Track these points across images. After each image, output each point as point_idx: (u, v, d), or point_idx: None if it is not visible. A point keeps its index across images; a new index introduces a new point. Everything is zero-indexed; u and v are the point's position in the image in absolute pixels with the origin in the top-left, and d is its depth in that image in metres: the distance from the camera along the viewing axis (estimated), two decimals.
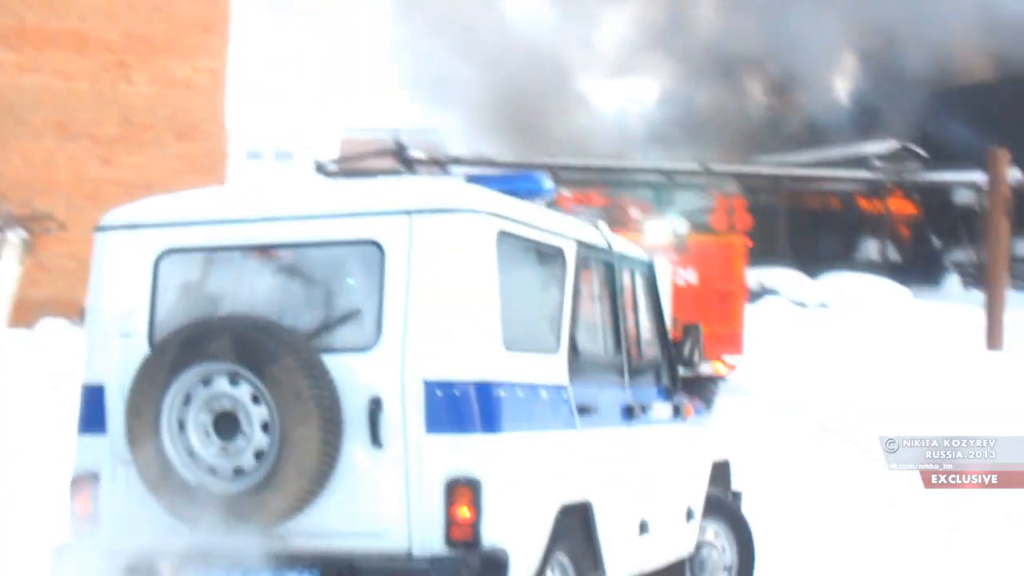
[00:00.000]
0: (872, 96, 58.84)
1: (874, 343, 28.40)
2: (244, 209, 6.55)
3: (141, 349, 6.31)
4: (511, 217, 6.48)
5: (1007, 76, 53.85)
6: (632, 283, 8.11)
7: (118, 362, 6.34)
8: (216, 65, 27.46)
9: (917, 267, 52.43)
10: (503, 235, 6.30)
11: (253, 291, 6.30)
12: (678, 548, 8.50)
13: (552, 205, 18.97)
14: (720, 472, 9.43)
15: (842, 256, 50.85)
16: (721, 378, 20.58)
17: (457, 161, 45.62)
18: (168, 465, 5.99)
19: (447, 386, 5.95)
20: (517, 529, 6.02)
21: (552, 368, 6.70)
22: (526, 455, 6.23)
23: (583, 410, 6.91)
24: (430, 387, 5.95)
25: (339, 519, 6.03)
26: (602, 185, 46.32)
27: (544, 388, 6.52)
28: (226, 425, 6.00)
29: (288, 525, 5.98)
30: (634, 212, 21.40)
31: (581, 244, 7.27)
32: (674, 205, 21.23)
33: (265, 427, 5.92)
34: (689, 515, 8.62)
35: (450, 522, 5.86)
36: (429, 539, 5.90)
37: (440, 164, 45.68)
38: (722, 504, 9.22)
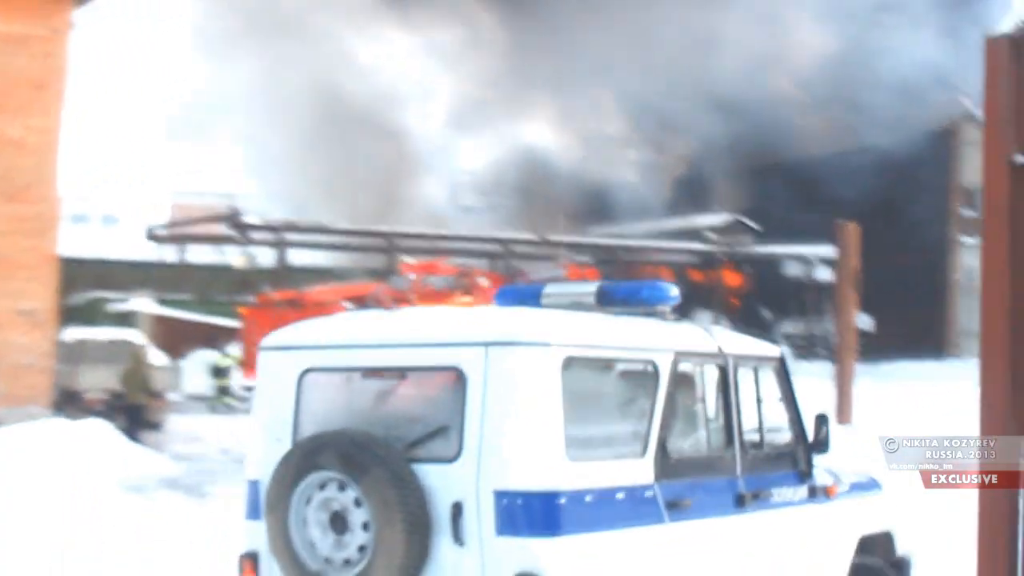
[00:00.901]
0: (703, 170, 59.72)
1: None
2: (361, 336, 7.70)
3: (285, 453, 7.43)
4: (582, 344, 7.32)
5: (833, 151, 55.14)
6: (754, 378, 8.71)
7: (270, 462, 7.41)
8: (49, 124, 26.32)
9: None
10: (571, 360, 7.14)
11: (366, 407, 7.52)
12: None
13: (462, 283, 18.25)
14: (878, 543, 9.74)
15: None
16: None
17: (292, 228, 44.92)
18: (295, 553, 7.23)
19: (512, 495, 6.87)
20: None
21: (634, 471, 7.42)
22: (592, 552, 7.02)
23: (673, 505, 7.57)
24: (499, 496, 6.88)
25: None
26: (442, 253, 46.13)
27: (622, 490, 7.29)
28: (339, 522, 7.14)
29: None
30: (483, 281, 21.06)
31: (679, 353, 7.91)
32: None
33: (365, 526, 7.04)
34: None
35: None
36: None
37: (274, 230, 44.93)
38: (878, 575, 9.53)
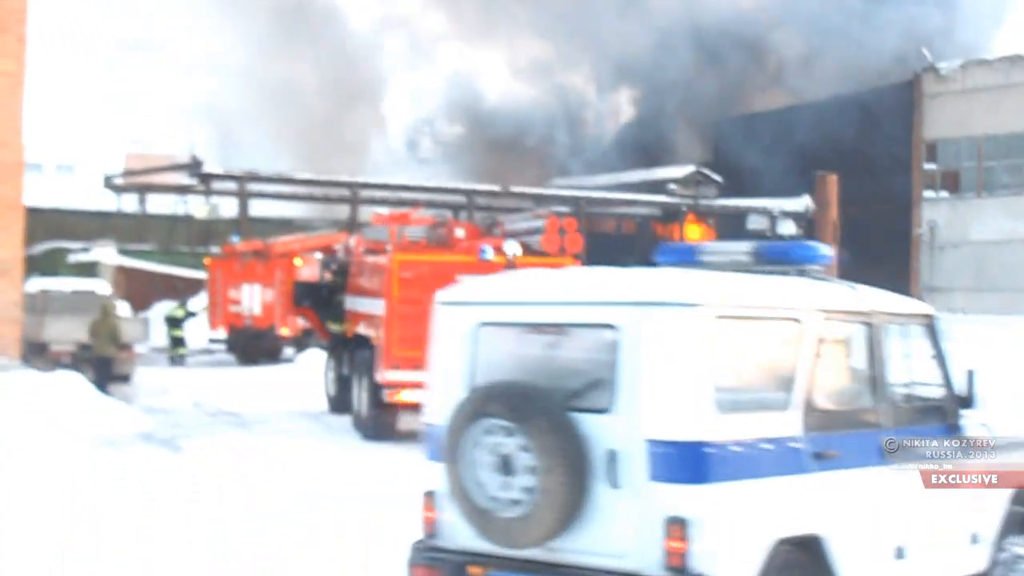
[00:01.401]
0: (666, 122, 59.50)
1: None
2: (530, 293, 8.36)
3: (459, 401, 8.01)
4: (731, 303, 7.76)
5: (797, 103, 55.08)
6: (901, 334, 9.09)
7: (448, 409, 8.02)
8: (11, 68, 25.71)
9: None
10: (721, 319, 7.61)
11: (532, 359, 8.10)
12: (957, 569, 9.38)
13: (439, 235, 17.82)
14: None
15: None
16: None
17: (255, 177, 44.38)
18: (466, 491, 7.82)
19: (664, 444, 7.40)
20: (724, 559, 7.42)
21: (781, 423, 7.90)
22: (739, 499, 7.53)
23: (819, 456, 8.02)
24: (651, 445, 7.41)
25: (591, 542, 7.63)
26: (405, 204, 45.78)
27: (769, 441, 7.78)
28: (506, 465, 7.67)
29: (556, 543, 7.67)
30: (460, 232, 20.77)
31: (826, 311, 8.36)
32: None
33: (530, 469, 7.56)
34: (974, 539, 9.45)
35: (667, 552, 7.38)
36: (653, 564, 7.42)
37: (237, 179, 44.38)
38: None
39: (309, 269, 29.18)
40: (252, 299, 34.04)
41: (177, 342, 35.28)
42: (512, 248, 19.40)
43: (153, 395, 26.33)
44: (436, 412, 8.28)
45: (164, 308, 37.80)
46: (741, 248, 8.98)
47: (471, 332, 8.23)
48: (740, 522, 7.54)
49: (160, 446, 19.24)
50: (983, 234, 46.88)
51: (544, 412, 7.57)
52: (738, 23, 55.64)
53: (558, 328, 8.07)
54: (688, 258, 9.01)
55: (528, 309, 8.20)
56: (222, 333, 35.49)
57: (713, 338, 7.58)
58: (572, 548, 7.69)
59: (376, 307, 19.93)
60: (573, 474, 7.52)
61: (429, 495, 8.34)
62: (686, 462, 7.40)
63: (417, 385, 19.25)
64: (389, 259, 19.39)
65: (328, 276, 24.00)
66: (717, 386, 7.56)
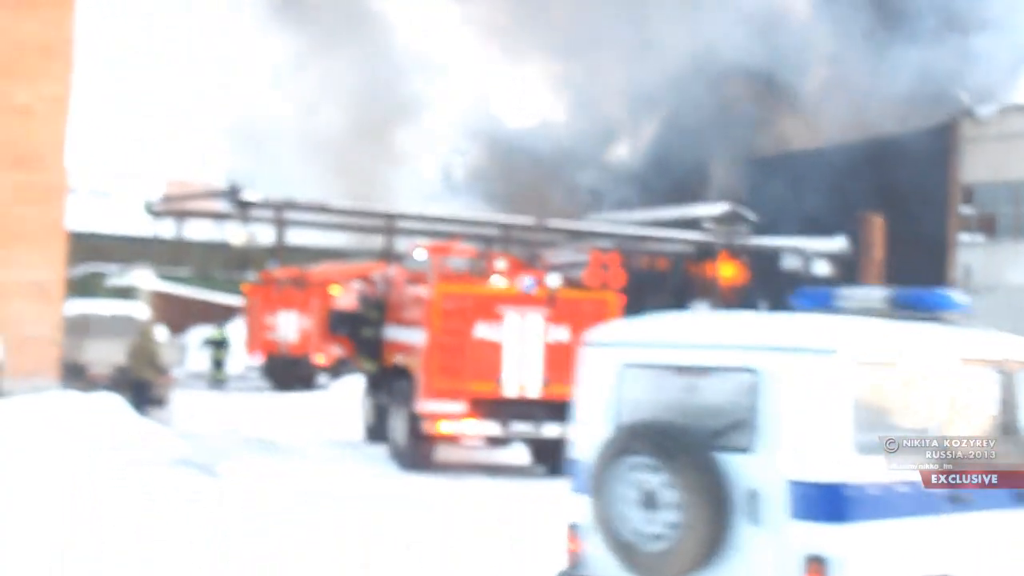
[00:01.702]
0: (697, 158, 59.47)
1: None
2: (673, 336, 8.66)
3: (605, 438, 8.36)
4: (868, 350, 8.06)
5: (833, 144, 55.02)
6: None
7: (593, 445, 8.40)
8: (59, 91, 25.96)
9: None
10: (859, 365, 7.90)
11: (675, 398, 8.37)
12: None
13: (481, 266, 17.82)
14: None
15: None
16: None
17: (292, 206, 44.58)
18: (611, 524, 8.16)
19: (805, 486, 7.70)
20: None
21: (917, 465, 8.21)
22: (877, 538, 7.82)
23: (955, 498, 8.30)
24: (793, 485, 7.72)
25: None
26: (441, 236, 45.89)
27: (905, 483, 8.07)
28: (650, 501, 7.99)
29: None
30: (501, 264, 20.82)
31: (963, 357, 8.64)
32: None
33: (674, 505, 7.87)
34: None
35: None
36: None
37: (274, 207, 44.60)
38: None
39: (347, 297, 29.30)
40: (288, 326, 34.21)
41: (218, 364, 35.49)
42: (554, 281, 19.45)
43: (189, 419, 26.44)
44: (581, 448, 8.69)
45: (199, 333, 38.00)
46: (877, 294, 9.35)
47: (616, 372, 8.61)
48: (877, 561, 7.82)
49: (197, 470, 19.31)
50: (1019, 278, 46.62)
51: (689, 451, 7.92)
52: (764, 62, 55.69)
53: (701, 370, 8.35)
54: (824, 303, 9.32)
55: (672, 351, 8.52)
56: (258, 359, 35.65)
57: (853, 383, 7.91)
58: None
59: (417, 337, 19.99)
60: (715, 511, 7.85)
61: (573, 528, 8.70)
62: (826, 502, 7.70)
63: (456, 416, 19.40)
64: (431, 290, 19.46)
65: (366, 305, 24.10)
66: (856, 429, 7.88)
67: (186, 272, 47.69)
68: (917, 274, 48.65)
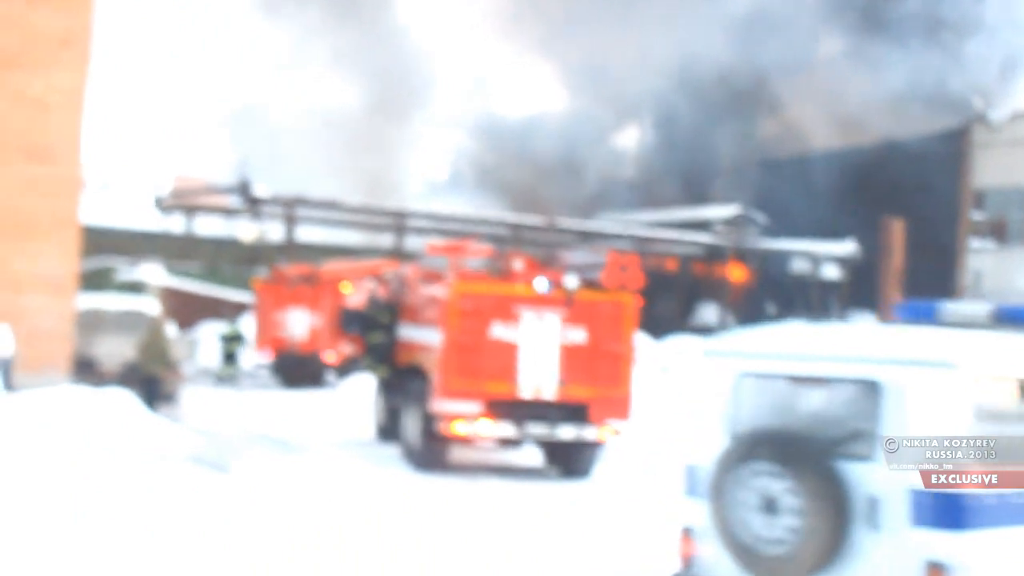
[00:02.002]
0: (710, 162, 59.31)
1: None
2: (789, 347, 8.94)
3: (723, 444, 8.72)
4: (984, 363, 8.28)
5: (844, 147, 54.88)
6: None
7: (709, 452, 8.78)
8: (74, 83, 25.76)
9: None
10: (977, 378, 8.14)
11: (792, 407, 8.71)
12: None
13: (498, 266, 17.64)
14: None
15: (679, 319, 51.02)
16: (601, 444, 19.98)
17: (303, 202, 44.48)
18: (730, 528, 8.47)
19: (926, 494, 7.95)
20: None
21: None
22: (993, 545, 8.00)
23: None
24: (914, 493, 7.99)
25: None
26: (450, 234, 45.75)
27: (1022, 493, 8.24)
28: (770, 506, 8.29)
29: None
30: (518, 264, 20.67)
31: None
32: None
33: (795, 511, 8.17)
34: None
35: None
36: None
37: (285, 204, 44.49)
38: None
39: (358, 296, 29.14)
40: (298, 324, 34.07)
41: (230, 358, 35.42)
42: (571, 282, 19.31)
43: (199, 415, 26.32)
44: (697, 454, 9.08)
45: (208, 329, 37.89)
46: (980, 309, 9.69)
47: (734, 382, 8.96)
48: (996, 568, 8.04)
49: (208, 467, 19.19)
50: None
51: (812, 459, 8.22)
52: (770, 68, 55.55)
53: (819, 381, 8.68)
54: (927, 316, 9.73)
55: (790, 362, 8.82)
56: (267, 356, 35.51)
57: (973, 395, 8.20)
58: None
59: (432, 337, 19.85)
60: (836, 517, 8.16)
61: (687, 531, 9.10)
62: (946, 509, 7.97)
63: (471, 417, 19.25)
64: (448, 289, 19.33)
65: (376, 307, 23.98)
66: (977, 439, 8.13)
67: (195, 267, 47.57)
68: (928, 279, 48.64)
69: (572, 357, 19.27)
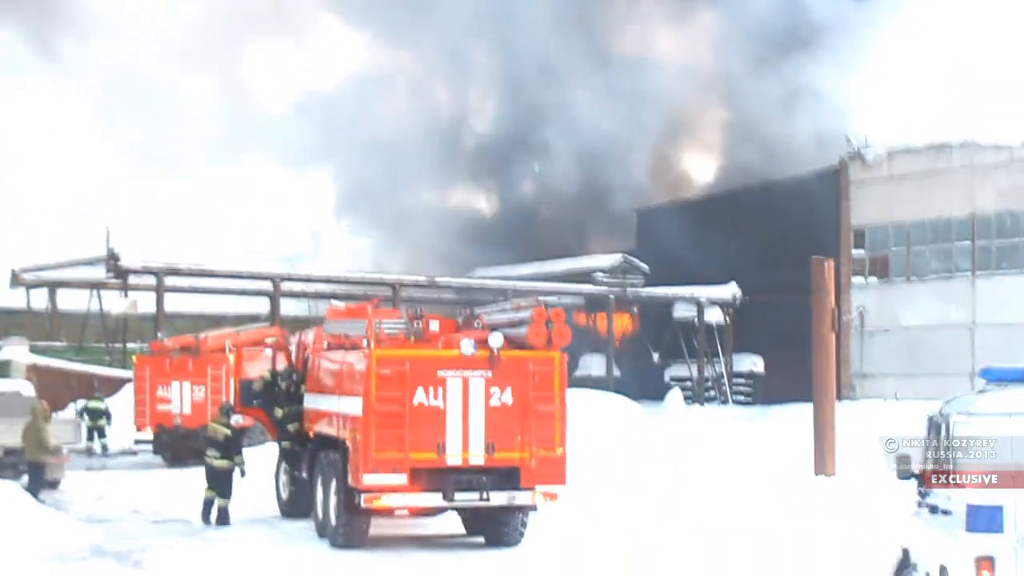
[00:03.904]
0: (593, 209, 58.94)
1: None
2: None
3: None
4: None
5: (724, 190, 54.84)
6: None
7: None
8: None
9: (637, 382, 52.15)
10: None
11: None
12: None
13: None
14: None
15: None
16: (532, 508, 18.82)
17: (174, 271, 42.77)
18: None
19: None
20: None
21: None
22: None
23: None
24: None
25: None
26: (327, 297, 44.42)
27: None
28: None
29: None
30: (434, 325, 19.48)
31: None
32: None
33: None
34: None
35: None
36: None
37: (154, 273, 42.72)
38: None
39: (257, 366, 27.63)
40: (182, 398, 32.41)
41: (99, 433, 33.96)
42: (496, 340, 18.19)
43: (87, 501, 24.65)
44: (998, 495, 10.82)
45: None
46: None
47: None
48: None
49: (116, 561, 17.65)
50: (913, 319, 46.65)
51: None
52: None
53: None
54: (1017, 378, 11.38)
55: None
56: (147, 433, 33.74)
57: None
58: None
59: (349, 406, 18.55)
60: None
61: (987, 559, 10.73)
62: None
63: (397, 489, 17.96)
64: (367, 355, 18.04)
65: (277, 377, 22.70)
66: None
67: (62, 344, 45.45)
68: (811, 317, 48.36)
69: (500, 419, 18.13)
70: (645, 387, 51.23)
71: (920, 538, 12.06)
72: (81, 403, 36.70)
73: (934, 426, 11.46)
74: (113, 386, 38.74)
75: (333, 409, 19.55)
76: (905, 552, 12.59)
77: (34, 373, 39.47)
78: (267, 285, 44.64)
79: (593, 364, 51.82)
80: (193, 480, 28.02)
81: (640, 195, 57.39)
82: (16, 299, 49.85)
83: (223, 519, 21.31)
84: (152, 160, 56.14)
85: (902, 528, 12.85)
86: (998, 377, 11.46)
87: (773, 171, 51.42)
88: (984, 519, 10.75)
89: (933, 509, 11.66)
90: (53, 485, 25.24)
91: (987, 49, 47.54)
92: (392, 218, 59.02)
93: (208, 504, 21.45)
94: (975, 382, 12.52)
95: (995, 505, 10.64)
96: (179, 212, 58.71)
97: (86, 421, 34.26)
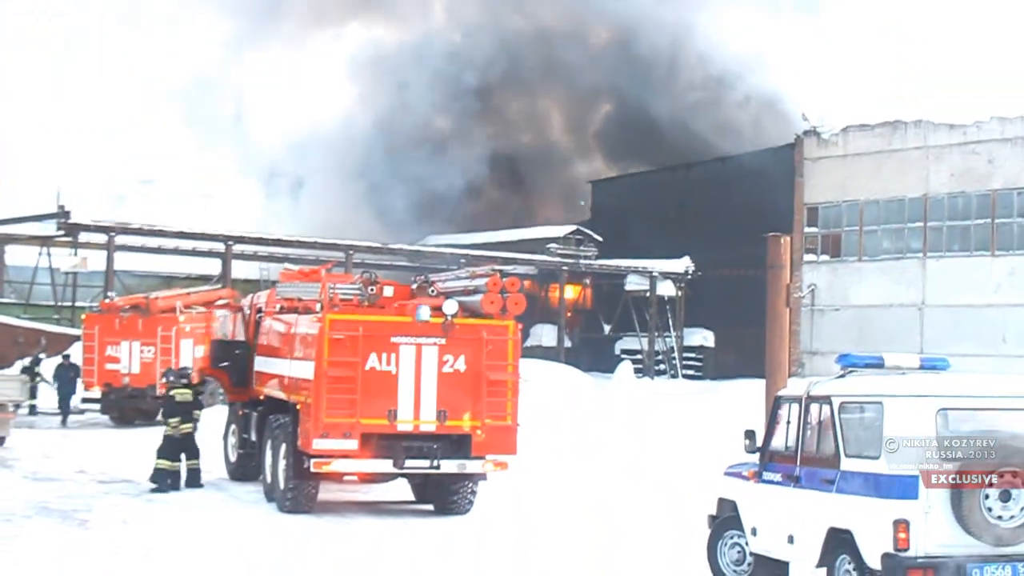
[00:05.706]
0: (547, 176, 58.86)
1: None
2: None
3: None
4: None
5: (677, 163, 54.79)
6: None
7: None
8: None
9: (588, 353, 52.26)
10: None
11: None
12: None
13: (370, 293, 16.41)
14: None
15: None
16: (482, 477, 18.79)
17: (125, 229, 42.38)
18: (983, 514, 11.07)
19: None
20: None
21: None
22: None
23: None
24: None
25: None
26: (279, 260, 44.18)
27: None
28: (1006, 496, 11.05)
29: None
30: (388, 291, 19.36)
31: None
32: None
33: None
34: None
35: None
36: None
37: (105, 230, 42.30)
38: None
39: (222, 326, 27.34)
40: (131, 357, 32.14)
41: (33, 393, 33.69)
42: (451, 308, 18.10)
43: (33, 460, 24.42)
44: None
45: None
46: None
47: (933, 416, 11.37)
48: None
49: (61, 520, 17.50)
50: (864, 298, 46.85)
51: None
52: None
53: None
54: (871, 364, 12.20)
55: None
56: (95, 392, 33.39)
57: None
58: None
59: (301, 370, 18.44)
60: None
61: (903, 522, 11.08)
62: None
63: (347, 454, 17.88)
64: (320, 319, 17.93)
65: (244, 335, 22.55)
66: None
67: (9, 300, 44.97)
68: (764, 294, 48.55)
69: (453, 387, 18.05)
70: (596, 359, 51.33)
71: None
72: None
73: (789, 405, 12.57)
74: (62, 344, 38.32)
75: (284, 372, 19.43)
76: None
77: None
78: (219, 246, 44.31)
79: (544, 334, 51.84)
80: (140, 440, 27.87)
81: (595, 167, 57.36)
82: None
83: (194, 481, 21.02)
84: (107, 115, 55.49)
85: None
86: (853, 363, 12.29)
87: (727, 145, 51.47)
88: (898, 487, 10.92)
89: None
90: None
91: (945, 29, 47.72)
92: (347, 184, 58.74)
93: (165, 473, 20.91)
94: (831, 367, 12.94)
95: (910, 475, 10.88)
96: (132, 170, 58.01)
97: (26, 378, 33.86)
